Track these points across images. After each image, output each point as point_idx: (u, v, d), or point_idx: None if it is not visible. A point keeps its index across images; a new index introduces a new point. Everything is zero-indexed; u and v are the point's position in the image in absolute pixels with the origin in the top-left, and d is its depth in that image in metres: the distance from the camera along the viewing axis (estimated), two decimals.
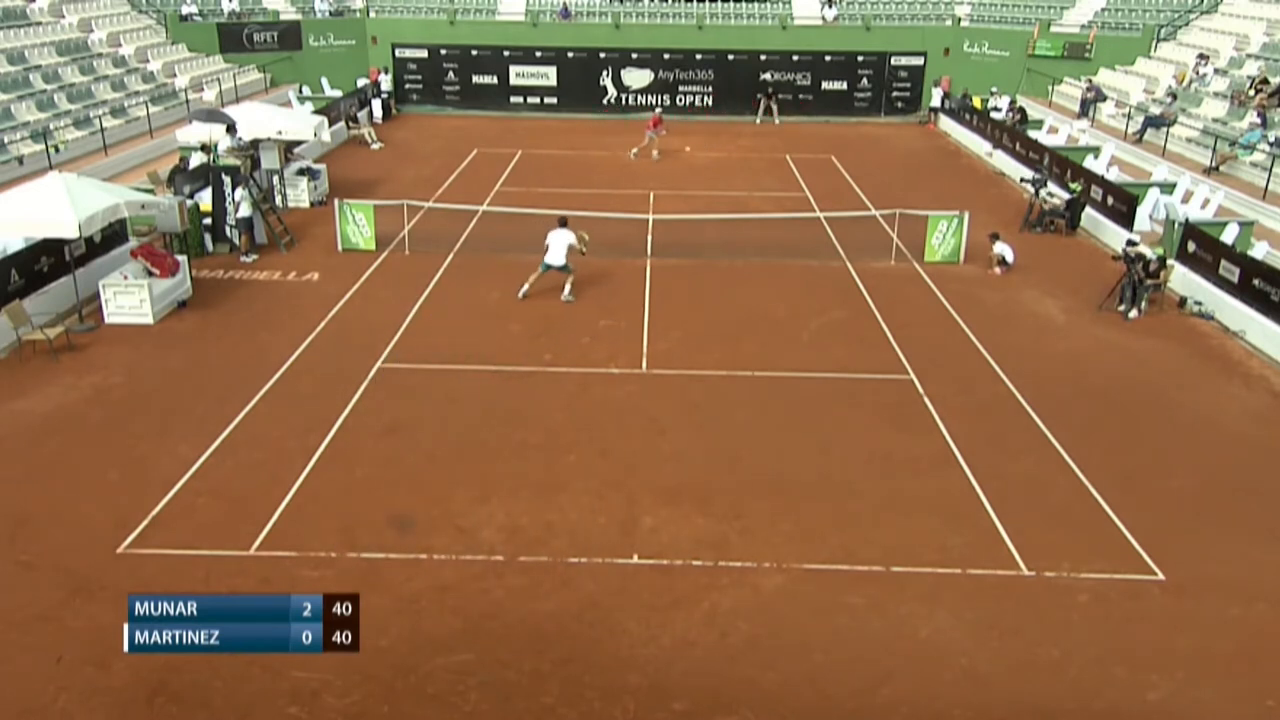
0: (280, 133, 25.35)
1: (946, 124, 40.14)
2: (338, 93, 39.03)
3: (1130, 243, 21.16)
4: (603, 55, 41.65)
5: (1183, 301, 20.78)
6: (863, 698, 9.76)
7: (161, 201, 19.13)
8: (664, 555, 11.80)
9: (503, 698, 9.61)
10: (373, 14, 42.48)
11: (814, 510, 12.81)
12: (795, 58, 41.57)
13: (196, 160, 24.83)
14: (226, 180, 22.22)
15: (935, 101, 41.06)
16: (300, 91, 38.31)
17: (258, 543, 11.93)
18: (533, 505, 12.75)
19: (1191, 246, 21.72)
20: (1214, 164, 28.01)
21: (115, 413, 15.13)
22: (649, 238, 23.20)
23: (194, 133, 24.49)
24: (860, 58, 41.74)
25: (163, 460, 13.68)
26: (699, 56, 41.57)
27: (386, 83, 41.14)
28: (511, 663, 10.05)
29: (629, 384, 16.44)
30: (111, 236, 20.41)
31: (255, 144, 24.45)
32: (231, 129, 23.29)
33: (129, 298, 18.24)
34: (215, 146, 22.43)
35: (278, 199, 25.37)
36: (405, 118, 40.96)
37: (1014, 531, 12.41)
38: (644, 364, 17.16)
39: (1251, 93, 30.46)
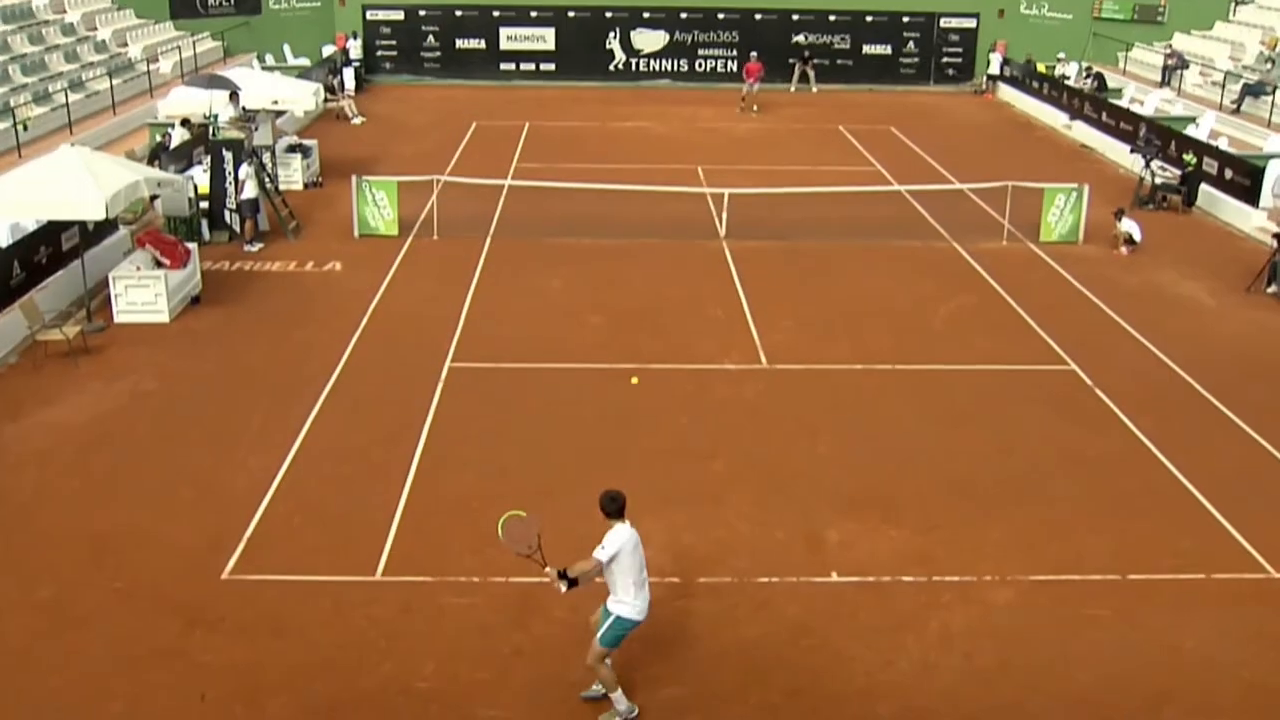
0: (275, 103, 25.03)
1: (1008, 93, 40.54)
2: (304, 61, 38.69)
3: None
4: (609, 14, 41.68)
5: None
6: (1146, 718, 9.71)
7: (178, 180, 18.79)
8: (867, 572, 11.71)
9: None
10: None
11: (1017, 516, 12.81)
12: (832, 18, 41.86)
13: (178, 136, 24.48)
14: (228, 156, 21.84)
15: (994, 68, 41.41)
16: (263, 60, 37.85)
17: (381, 566, 11.70)
18: (693, 520, 12.61)
19: None
20: None
21: (162, 422, 14.84)
22: (721, 216, 23.13)
23: (180, 103, 24.12)
24: (905, 19, 42.15)
25: (235, 475, 13.42)
26: (721, 16, 41.70)
27: (356, 49, 40.81)
28: (733, 696, 9.90)
29: (752, 381, 16.37)
30: (102, 222, 19.96)
31: (252, 116, 24.10)
32: (234, 97, 22.95)
33: (142, 292, 17.92)
34: (216, 117, 22.03)
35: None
36: (379, 89, 40.70)
37: (1246, 530, 12.56)
38: (762, 358, 17.11)
39: None
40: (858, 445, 14.46)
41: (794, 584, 11.52)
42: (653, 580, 11.08)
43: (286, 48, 39.73)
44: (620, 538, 9.07)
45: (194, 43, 35.97)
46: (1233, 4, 39.56)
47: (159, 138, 25.49)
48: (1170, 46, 38.30)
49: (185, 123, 24.45)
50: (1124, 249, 22.55)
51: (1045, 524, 12.68)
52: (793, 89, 40.99)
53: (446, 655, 10.35)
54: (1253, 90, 32.43)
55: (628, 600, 9.24)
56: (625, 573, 9.15)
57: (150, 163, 23.24)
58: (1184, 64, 36.70)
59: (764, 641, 10.64)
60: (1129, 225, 22.73)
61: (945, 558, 11.98)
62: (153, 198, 20.12)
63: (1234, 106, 32.65)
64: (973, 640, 10.65)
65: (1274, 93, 31.58)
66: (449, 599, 11.20)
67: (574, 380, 16.32)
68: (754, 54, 38.06)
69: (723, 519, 12.66)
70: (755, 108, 36.80)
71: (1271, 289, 20.28)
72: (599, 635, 9.37)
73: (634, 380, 15.88)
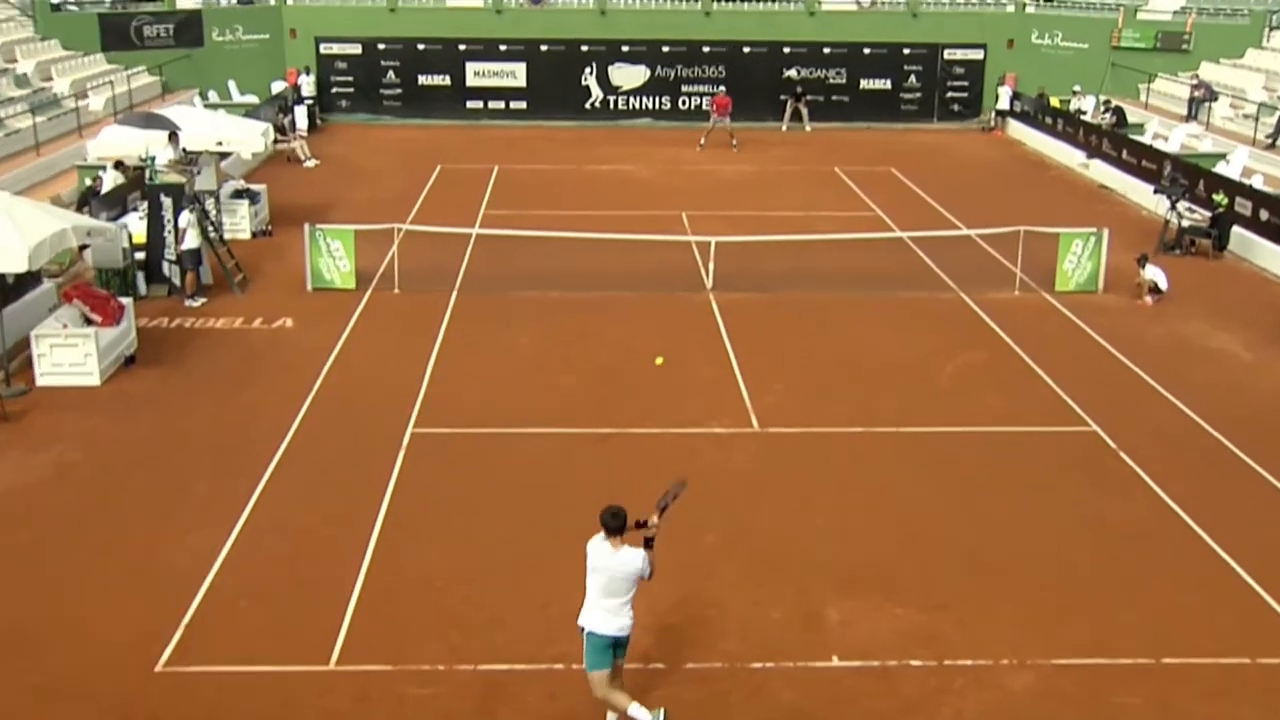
0: (220, 144, 25.18)
1: (1019, 129, 41.09)
2: (251, 98, 38.96)
3: None
4: (585, 48, 42.29)
5: None
6: None
7: (110, 228, 18.83)
8: (871, 655, 11.69)
9: None
10: (290, 0, 42.47)
11: (1036, 592, 12.83)
12: (827, 50, 42.54)
13: (110, 180, 24.58)
14: (167, 203, 21.93)
15: (1004, 103, 41.97)
16: (205, 98, 38.09)
17: (336, 654, 11.62)
18: (678, 599, 12.59)
19: None
20: None
21: (90, 496, 14.77)
22: (707, 267, 23.30)
23: (112, 144, 24.23)
24: (906, 50, 42.87)
25: (173, 554, 13.35)
26: (706, 50, 42.36)
27: (309, 86, 41.14)
28: None
29: (743, 446, 16.42)
30: (24, 275, 19.96)
31: (194, 158, 24.23)
32: (174, 137, 23.07)
33: (70, 352, 17.90)
34: (153, 160, 22.13)
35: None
36: (335, 128, 41.04)
37: None
38: (754, 421, 17.17)
39: None
40: (858, 515, 14.47)
41: (790, 669, 11.47)
42: (636, 666, 11.19)
43: (232, 84, 40.01)
44: (590, 548, 10.14)
45: (128, 77, 36.12)
46: (1267, 30, 40.13)
47: (89, 181, 25.57)
48: (1197, 77, 38.89)
49: (119, 165, 24.55)
50: (1149, 298, 22.78)
51: (1067, 601, 12.69)
52: (784, 128, 41.49)
53: None
54: None
55: (587, 609, 10.15)
56: (590, 584, 10.12)
57: (79, 209, 23.33)
58: (1212, 96, 37.23)
59: None
60: (1154, 272, 22.96)
61: (956, 638, 11.96)
62: (82, 248, 20.18)
63: (1269, 141, 33.10)
64: None
65: None
66: (410, 689, 11.12)
67: (547, 446, 16.35)
68: (721, 87, 39.17)
69: (709, 598, 12.63)
70: (734, 143, 37.67)
71: None
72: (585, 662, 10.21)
73: (659, 360, 16.94)
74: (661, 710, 10.29)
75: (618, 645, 10.22)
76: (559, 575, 12.09)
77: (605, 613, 10.04)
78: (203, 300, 21.96)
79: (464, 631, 11.92)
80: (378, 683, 11.19)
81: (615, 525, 9.99)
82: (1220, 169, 30.36)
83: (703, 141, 37.86)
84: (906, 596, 12.70)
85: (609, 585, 10.00)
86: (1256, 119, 34.06)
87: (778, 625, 12.20)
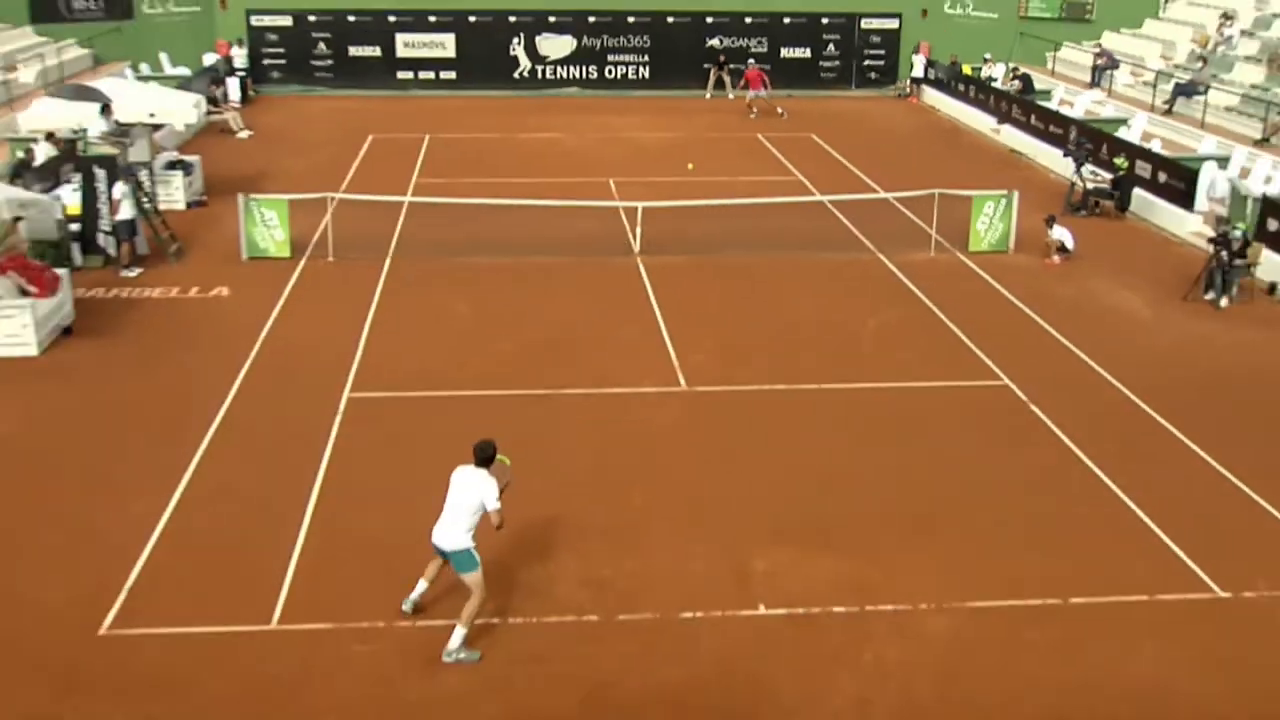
0: (153, 115, 24.71)
1: (933, 96, 41.33)
2: (183, 70, 38.20)
3: (1221, 220, 22.08)
4: (512, 19, 41.83)
5: (1272, 288, 21.73)
6: None
7: (43, 200, 18.40)
8: (797, 603, 11.81)
9: None
10: None
11: (954, 539, 13.02)
12: (748, 20, 42.47)
13: (43, 152, 24.02)
14: (101, 174, 21.47)
15: (918, 71, 42.18)
16: (137, 70, 37.29)
17: (278, 614, 11.54)
18: (610, 554, 12.64)
19: (1274, 225, 22.74)
20: (1266, 134, 29.33)
21: (29, 466, 14.51)
22: (635, 231, 23.26)
23: (44, 117, 23.69)
24: (825, 20, 42.93)
25: (114, 521, 13.15)
26: (631, 20, 42.12)
27: (241, 58, 40.41)
28: None
29: (671, 405, 16.46)
30: None
31: (126, 130, 23.73)
32: (106, 109, 22.58)
33: (7, 324, 17.51)
34: (85, 132, 21.65)
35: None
36: (267, 99, 40.31)
37: (1190, 549, 12.87)
38: (681, 380, 17.21)
39: None
40: (783, 470, 14.57)
41: (719, 618, 11.56)
42: (569, 619, 11.24)
43: (164, 56, 39.13)
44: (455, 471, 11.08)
45: (59, 50, 35.17)
46: (1163, 1, 40.64)
47: (20, 154, 24.94)
48: (1100, 46, 39.33)
49: (50, 137, 23.98)
50: (1056, 258, 23.04)
51: (983, 547, 12.89)
52: (708, 95, 41.39)
53: (349, 707, 10.24)
54: (1185, 90, 33.29)
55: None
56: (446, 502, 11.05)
57: (12, 182, 22.72)
58: (1114, 64, 37.67)
59: (690, 681, 10.65)
60: (1061, 233, 23.22)
61: (878, 586, 12.10)
62: (16, 220, 19.70)
63: (1166, 107, 33.53)
64: (909, 672, 10.77)
65: (1206, 93, 32.44)
66: (352, 646, 11.07)
67: (481, 408, 16.23)
68: (751, 60, 39.62)
69: (641, 552, 12.68)
70: (782, 113, 37.92)
71: (1209, 296, 20.81)
72: None
73: (690, 166, 16.54)
74: (478, 653, 10.87)
75: (445, 556, 11.03)
76: (507, 532, 12.10)
77: (441, 525, 10.95)
78: (139, 270, 21.57)
79: (403, 589, 11.82)
80: (320, 641, 11.14)
81: (482, 457, 10.93)
82: (1122, 134, 30.75)
83: (753, 110, 38.26)
84: (830, 547, 12.82)
85: (454, 501, 10.90)
86: (1154, 86, 34.52)
87: (705, 577, 12.26)
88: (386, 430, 15.60)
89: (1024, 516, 13.58)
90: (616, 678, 10.72)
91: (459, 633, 10.88)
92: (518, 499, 11.68)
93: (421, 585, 11.49)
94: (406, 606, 11.46)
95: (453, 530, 10.89)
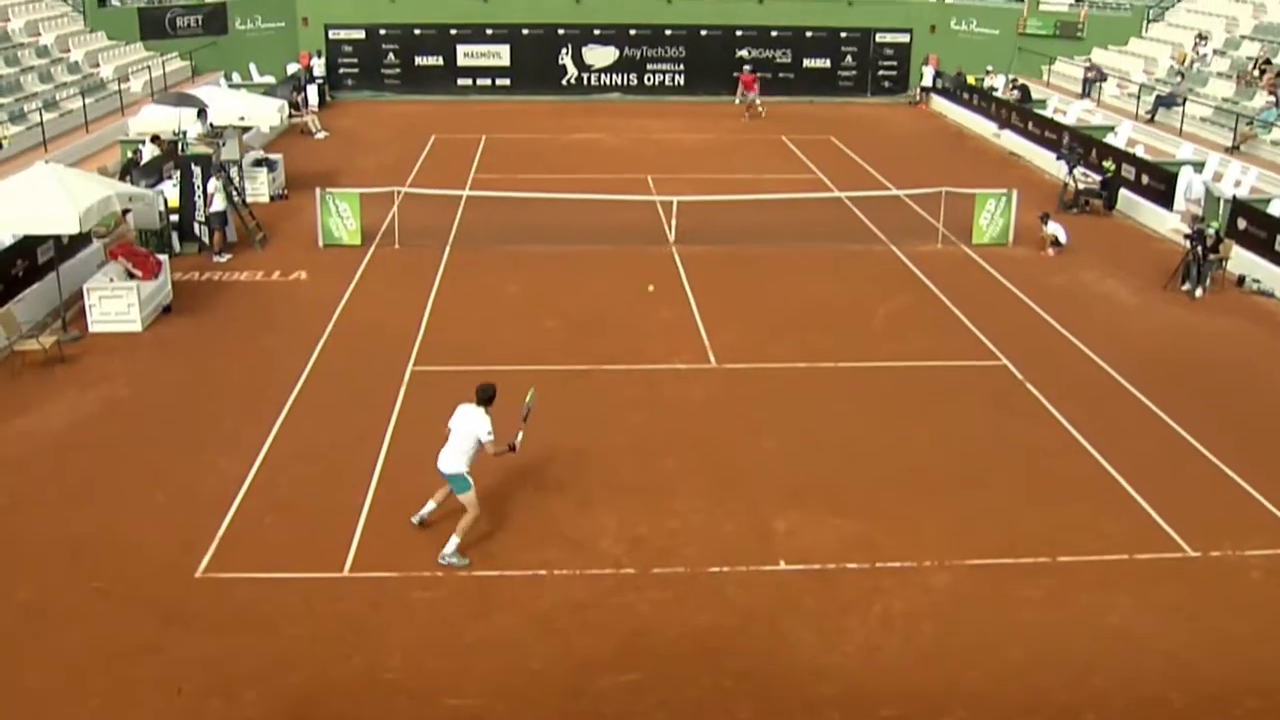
0: (243, 119, 24.77)
1: (941, 104, 40.90)
2: (269, 79, 38.34)
3: (1197, 219, 21.82)
4: (561, 32, 41.65)
5: (1241, 280, 21.45)
6: (1074, 689, 9.89)
7: (148, 194, 18.54)
8: (813, 560, 11.78)
9: (694, 715, 9.46)
10: None
11: (956, 504, 12.94)
12: (774, 33, 42.07)
13: (148, 152, 24.18)
14: (197, 171, 21.60)
15: (927, 80, 41.79)
16: (230, 79, 37.46)
17: (349, 563, 11.61)
18: (646, 514, 12.62)
19: (1243, 224, 22.47)
20: (1236, 142, 28.91)
21: (135, 428, 14.65)
22: (670, 223, 23.18)
23: (150, 121, 23.80)
24: (843, 34, 42.46)
25: (208, 478, 13.28)
26: (669, 32, 41.84)
27: (319, 67, 40.53)
28: (687, 680, 9.91)
29: (702, 380, 16.41)
30: (77, 236, 19.70)
31: (220, 131, 23.84)
32: (202, 114, 22.68)
33: (116, 303, 17.67)
34: (184, 134, 21.77)
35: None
36: (342, 104, 40.40)
37: (1166, 513, 12.77)
38: (711, 358, 17.15)
39: (1257, 73, 31.65)
40: (803, 440, 14.51)
41: (744, 573, 11.55)
42: (608, 571, 11.30)
43: (253, 66, 39.31)
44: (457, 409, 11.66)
45: (163, 62, 35.47)
46: (1146, 22, 40.30)
47: (130, 154, 25.12)
48: (1090, 60, 38.81)
49: (155, 139, 24.13)
50: (1050, 250, 22.81)
51: (981, 510, 12.82)
52: (737, 102, 41.05)
53: (412, 647, 10.31)
54: (1165, 101, 32.81)
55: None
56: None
57: (122, 178, 22.90)
58: (1103, 77, 37.20)
59: (715, 628, 10.66)
60: (1055, 228, 22.99)
61: (887, 545, 12.06)
62: (125, 211, 19.87)
63: (1148, 116, 33.03)
64: (913, 622, 10.74)
65: (1184, 103, 32.00)
66: (414, 593, 11.14)
67: (531, 381, 16.07)
68: (746, 67, 39.24)
69: (674, 512, 12.67)
70: (763, 112, 37.96)
71: (1185, 287, 20.60)
72: None
73: (650, 288, 17.75)
74: (467, 560, 11.47)
75: (447, 479, 11.52)
76: (541, 494, 12.14)
77: (443, 452, 11.48)
78: (228, 256, 21.71)
79: (466, 544, 11.87)
80: (385, 588, 11.22)
81: (482, 397, 11.60)
82: (1109, 140, 30.33)
83: (749, 114, 38.10)
84: (845, 509, 12.78)
85: (455, 435, 11.49)
86: (1138, 97, 34.03)
87: (732, 535, 12.25)
88: (445, 400, 15.46)
89: (1019, 483, 13.50)
90: (651, 625, 10.74)
91: (453, 541, 11.47)
92: (564, 466, 11.68)
93: (430, 505, 12.01)
94: (415, 520, 12.00)
95: (451, 456, 11.46)
